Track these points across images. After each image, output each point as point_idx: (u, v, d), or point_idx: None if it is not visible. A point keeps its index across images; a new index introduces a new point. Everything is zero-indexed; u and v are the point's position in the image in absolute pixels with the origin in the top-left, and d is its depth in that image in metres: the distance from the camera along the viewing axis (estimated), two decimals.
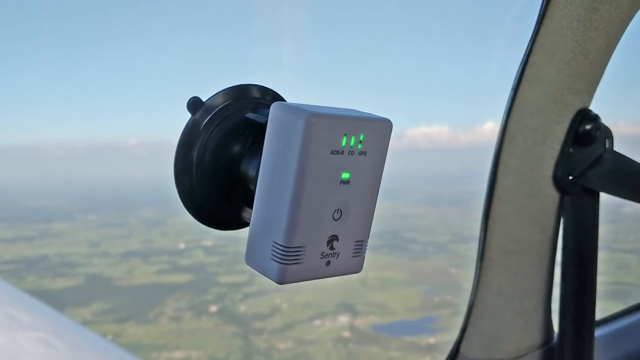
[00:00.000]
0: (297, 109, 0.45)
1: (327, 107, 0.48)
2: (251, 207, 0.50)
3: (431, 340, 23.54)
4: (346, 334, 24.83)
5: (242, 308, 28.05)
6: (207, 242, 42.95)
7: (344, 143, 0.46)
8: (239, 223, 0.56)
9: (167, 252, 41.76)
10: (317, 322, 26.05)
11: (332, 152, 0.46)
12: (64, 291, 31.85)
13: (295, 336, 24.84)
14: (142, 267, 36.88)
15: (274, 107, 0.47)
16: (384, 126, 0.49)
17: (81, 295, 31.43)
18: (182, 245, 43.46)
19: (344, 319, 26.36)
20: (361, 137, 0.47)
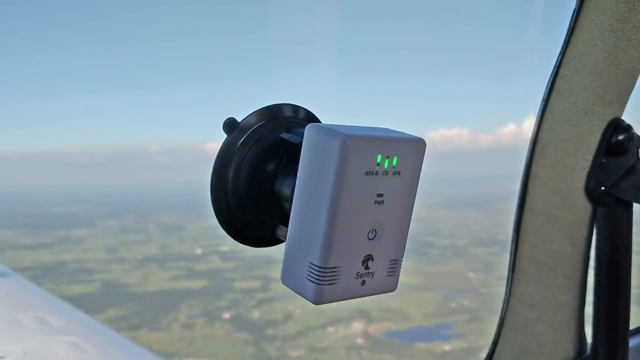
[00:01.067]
0: (332, 131, 0.45)
1: (361, 127, 0.48)
2: (285, 225, 0.51)
3: (446, 347, 22.98)
4: (360, 340, 24.41)
5: (255, 315, 27.81)
6: (224, 248, 42.81)
7: (378, 163, 0.46)
8: (273, 240, 0.57)
9: (184, 257, 41.80)
10: (331, 329, 25.67)
11: (366, 173, 0.46)
12: (80, 298, 31.90)
13: (308, 343, 24.49)
14: (158, 273, 36.92)
15: (308, 129, 0.47)
16: (417, 146, 0.49)
17: (96, 301, 31.48)
18: (198, 251, 43.43)
19: (358, 325, 25.93)
20: (395, 157, 0.47)
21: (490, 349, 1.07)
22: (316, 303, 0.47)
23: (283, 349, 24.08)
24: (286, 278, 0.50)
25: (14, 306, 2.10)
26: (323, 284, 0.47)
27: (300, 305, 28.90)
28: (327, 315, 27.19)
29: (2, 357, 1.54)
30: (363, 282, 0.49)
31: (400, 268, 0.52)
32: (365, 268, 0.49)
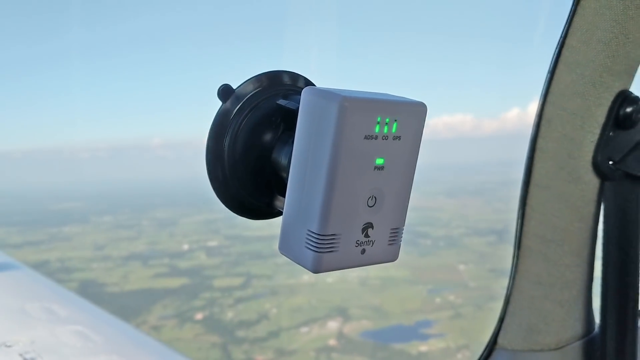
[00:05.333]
0: (329, 94, 0.44)
1: (360, 91, 0.46)
2: (284, 196, 0.49)
3: (423, 348, 21.84)
4: (332, 342, 23.26)
5: (229, 315, 26.71)
6: (212, 243, 41.87)
7: (377, 128, 0.45)
8: (271, 212, 0.56)
9: (169, 254, 40.79)
10: (304, 329, 24.55)
11: (365, 137, 0.44)
12: None
13: (277, 346, 23.39)
14: (140, 271, 35.99)
15: (305, 92, 0.46)
16: (418, 110, 0.47)
17: None
18: (185, 247, 42.45)
19: (333, 324, 24.77)
20: (395, 122, 0.46)
21: (496, 327, 1.04)
22: (315, 271, 0.46)
23: (250, 352, 23.01)
24: (284, 247, 0.48)
25: (21, 297, 2.08)
26: (322, 251, 0.45)
27: (278, 304, 27.87)
28: (304, 313, 26.13)
29: (9, 347, 1.55)
30: (363, 251, 0.48)
31: (402, 237, 0.50)
32: (365, 236, 0.47)
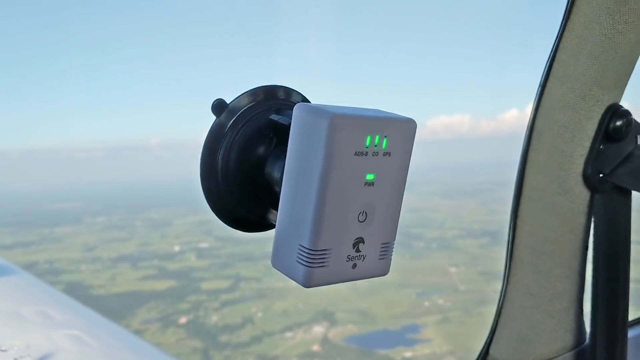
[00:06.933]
0: (320, 110, 0.45)
1: (351, 107, 0.47)
2: (276, 209, 0.51)
3: (407, 354, 21.43)
4: (316, 347, 22.85)
5: (213, 319, 26.28)
6: (204, 244, 41.45)
7: (368, 144, 0.46)
8: (264, 225, 0.57)
9: (159, 255, 40.37)
10: (289, 334, 24.14)
11: (356, 154, 0.45)
12: None
13: (260, 351, 22.98)
14: (128, 273, 35.60)
15: (297, 109, 0.47)
16: (408, 126, 0.48)
17: None
18: (176, 248, 42.05)
19: (318, 329, 24.34)
20: (385, 138, 0.47)
21: (488, 338, 1.06)
22: (306, 286, 0.46)
23: (231, 358, 22.59)
24: (276, 261, 0.49)
25: (17, 301, 2.06)
26: (313, 266, 0.46)
27: (264, 308, 27.46)
28: (291, 318, 25.71)
29: (4, 351, 1.54)
30: (354, 265, 0.48)
31: (392, 251, 0.51)
32: (356, 251, 0.48)
